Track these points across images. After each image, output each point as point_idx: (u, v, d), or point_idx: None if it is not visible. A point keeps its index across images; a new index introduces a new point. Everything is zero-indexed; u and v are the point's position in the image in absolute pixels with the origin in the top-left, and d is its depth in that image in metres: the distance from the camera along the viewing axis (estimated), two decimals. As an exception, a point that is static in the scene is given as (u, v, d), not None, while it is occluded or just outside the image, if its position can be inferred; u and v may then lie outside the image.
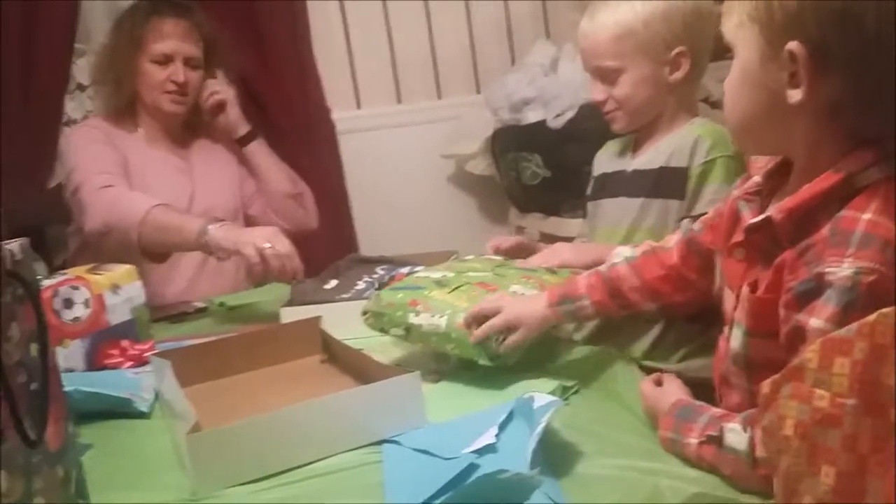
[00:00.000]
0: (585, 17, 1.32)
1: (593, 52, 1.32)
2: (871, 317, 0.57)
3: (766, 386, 0.64)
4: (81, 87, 2.31)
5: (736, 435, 0.77)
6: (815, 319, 0.70)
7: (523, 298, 1.15)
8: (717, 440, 0.79)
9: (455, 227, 2.75)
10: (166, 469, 0.93)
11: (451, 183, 2.85)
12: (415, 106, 2.79)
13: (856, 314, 0.63)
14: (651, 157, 1.33)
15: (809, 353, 0.60)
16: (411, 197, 2.79)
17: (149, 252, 1.64)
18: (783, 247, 0.77)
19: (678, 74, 1.28)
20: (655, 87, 1.30)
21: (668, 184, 1.28)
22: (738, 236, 0.86)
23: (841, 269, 0.70)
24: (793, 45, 0.73)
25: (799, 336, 0.71)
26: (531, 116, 2.39)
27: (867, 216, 0.71)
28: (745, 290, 0.83)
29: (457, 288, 1.16)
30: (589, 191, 1.48)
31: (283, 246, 1.49)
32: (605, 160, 1.45)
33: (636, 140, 1.40)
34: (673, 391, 0.92)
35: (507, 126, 2.47)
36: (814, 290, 0.71)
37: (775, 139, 0.82)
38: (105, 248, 1.66)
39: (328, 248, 1.83)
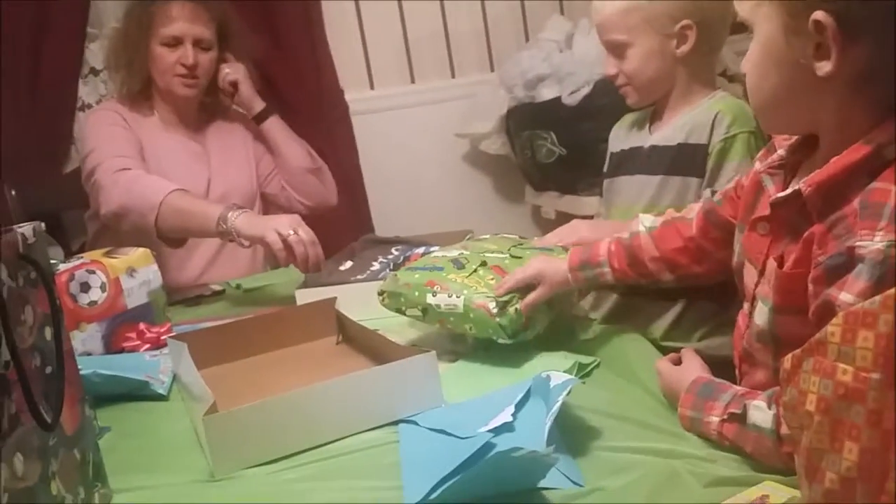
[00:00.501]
0: None
1: (602, 26, 1.32)
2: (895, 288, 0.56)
3: (787, 361, 0.63)
4: (95, 72, 2.31)
5: (760, 412, 0.75)
6: (846, 294, 0.68)
7: (548, 258, 1.15)
8: (740, 417, 0.77)
9: (470, 207, 2.74)
10: (184, 450, 0.93)
11: (465, 162, 2.84)
12: (428, 85, 2.77)
13: (887, 288, 0.60)
14: (669, 132, 1.31)
15: (832, 327, 0.58)
16: (426, 177, 2.78)
17: (165, 237, 1.64)
18: (811, 221, 0.75)
19: (685, 47, 1.27)
20: (663, 60, 1.29)
21: (687, 160, 1.27)
22: (763, 210, 0.85)
23: (873, 243, 0.68)
24: (819, 15, 0.71)
25: (829, 311, 0.69)
26: (546, 94, 2.36)
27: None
28: (772, 264, 0.81)
29: (474, 271, 1.15)
30: (605, 168, 1.47)
31: (306, 233, 1.47)
32: (622, 136, 1.44)
33: (653, 115, 1.39)
34: (693, 368, 0.91)
35: (522, 104, 2.45)
36: (844, 264, 0.69)
37: (804, 115, 0.80)
38: (121, 231, 1.66)
39: (343, 228, 1.82)
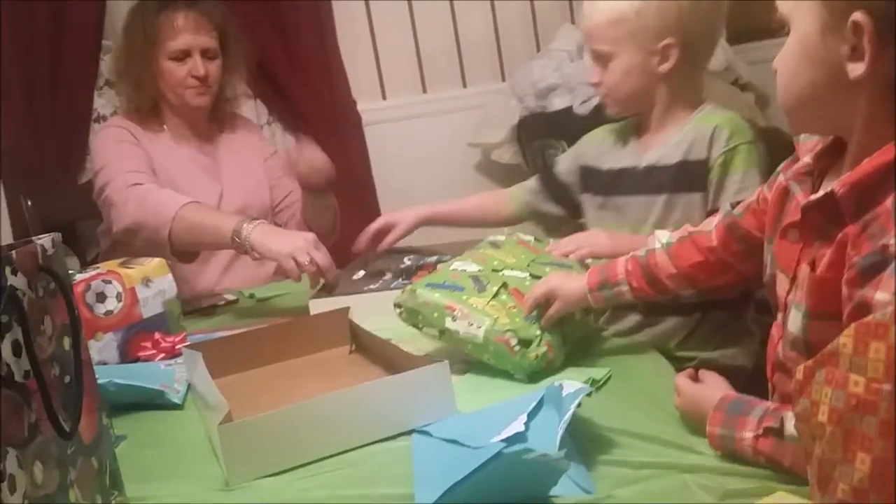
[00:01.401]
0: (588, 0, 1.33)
1: (589, 34, 1.33)
2: (908, 300, 0.56)
3: (799, 372, 0.63)
4: (110, 84, 2.33)
5: None
6: (882, 293, 0.67)
7: (566, 274, 1.15)
8: (776, 431, 0.77)
9: (482, 217, 2.74)
10: (199, 459, 0.94)
11: (477, 171, 2.85)
12: (440, 95, 2.78)
13: None
14: (664, 151, 1.31)
15: (844, 338, 0.58)
16: (438, 186, 2.79)
17: (179, 252, 1.64)
18: (843, 223, 0.74)
19: (666, 66, 1.27)
20: (644, 76, 1.29)
21: (689, 177, 1.27)
22: (793, 216, 0.84)
23: None
24: (858, 16, 0.71)
25: (864, 313, 0.67)
26: (557, 103, 2.37)
27: None
28: (805, 269, 0.80)
29: (495, 295, 1.15)
30: (584, 184, 1.46)
31: (322, 258, 1.45)
32: (606, 153, 1.43)
33: (637, 131, 1.39)
34: (718, 386, 0.90)
35: (534, 113, 2.46)
36: (879, 262, 0.68)
37: (833, 116, 0.80)
38: (135, 246, 1.66)
39: (355, 238, 1.82)
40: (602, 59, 1.32)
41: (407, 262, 1.57)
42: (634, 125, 1.40)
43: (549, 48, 2.57)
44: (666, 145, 1.31)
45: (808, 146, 0.87)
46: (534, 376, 1.08)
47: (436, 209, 1.69)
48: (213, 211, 1.70)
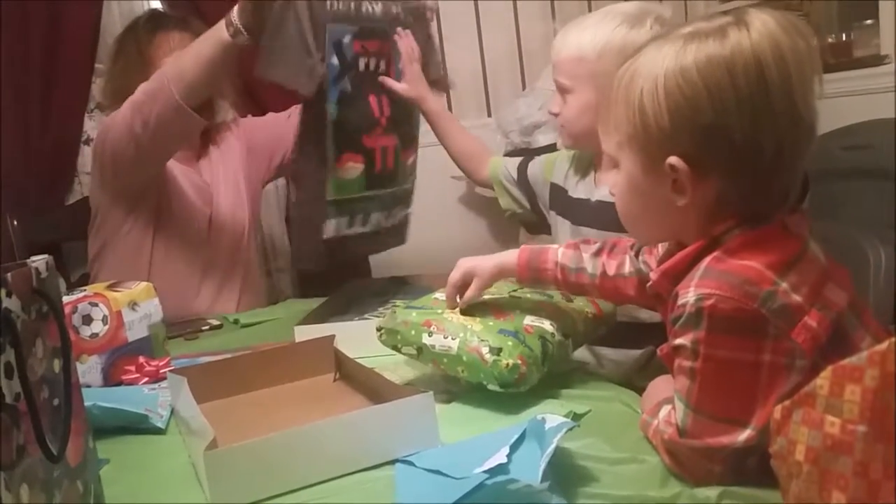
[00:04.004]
0: (561, 31, 1.37)
1: (555, 66, 1.37)
2: (883, 345, 0.58)
3: (777, 411, 0.65)
4: (101, 107, 2.34)
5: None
6: (681, 339, 0.82)
7: (475, 257, 1.20)
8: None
9: (466, 249, 2.73)
10: (183, 485, 0.94)
11: (461, 204, 2.87)
12: (427, 128, 2.81)
13: (701, 333, 0.78)
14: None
15: (821, 380, 0.60)
16: (422, 218, 2.80)
17: (196, 103, 1.57)
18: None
19: None
20: (597, 117, 1.31)
21: None
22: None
23: (686, 297, 0.80)
24: (672, 160, 0.83)
25: (677, 353, 0.84)
26: (542, 140, 2.41)
27: (712, 255, 0.82)
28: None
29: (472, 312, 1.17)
30: (552, 202, 1.51)
31: None
32: (571, 177, 1.47)
33: (596, 164, 1.43)
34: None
35: (519, 149, 2.49)
36: (677, 318, 0.82)
37: (666, 232, 0.93)
38: (144, 154, 1.63)
39: (340, 268, 1.83)
40: (562, 92, 1.37)
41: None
42: (590, 158, 1.44)
43: (534, 86, 2.62)
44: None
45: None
46: (507, 387, 1.09)
47: None
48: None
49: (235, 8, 1.47)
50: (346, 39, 1.46)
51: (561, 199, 1.48)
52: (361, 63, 1.51)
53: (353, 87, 1.49)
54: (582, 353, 1.35)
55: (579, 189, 1.44)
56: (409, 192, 1.77)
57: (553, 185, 1.51)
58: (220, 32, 1.50)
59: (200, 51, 1.54)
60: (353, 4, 1.48)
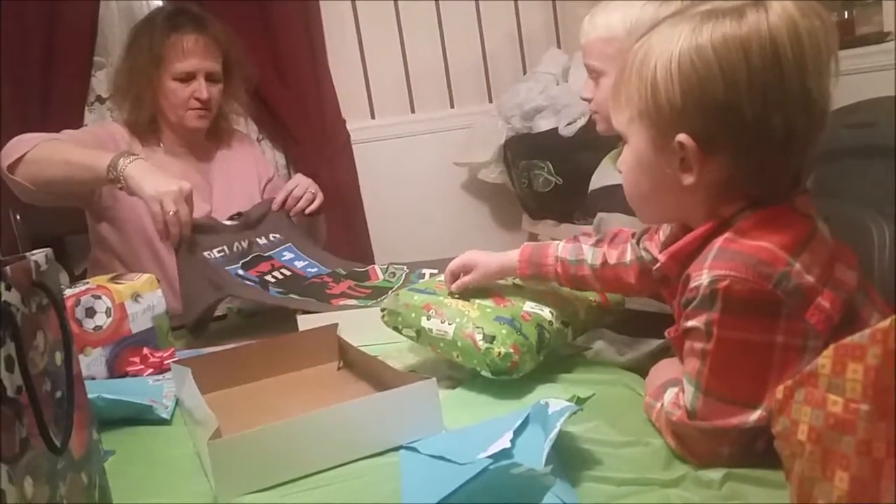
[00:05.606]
0: (588, 15, 1.35)
1: (584, 50, 1.36)
2: (885, 322, 0.58)
3: (779, 391, 0.65)
4: (101, 100, 2.34)
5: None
6: (692, 321, 0.82)
7: (484, 252, 1.20)
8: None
9: (468, 235, 2.77)
10: (188, 475, 0.94)
11: (464, 191, 2.87)
12: (428, 115, 2.81)
13: (715, 314, 0.78)
14: None
15: (823, 359, 0.60)
16: (425, 205, 2.81)
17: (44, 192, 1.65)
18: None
19: None
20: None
21: None
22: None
23: (700, 279, 0.80)
24: (682, 137, 0.82)
25: (686, 335, 0.84)
26: (543, 125, 2.40)
27: (724, 237, 0.82)
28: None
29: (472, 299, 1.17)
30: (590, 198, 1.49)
31: (185, 213, 1.53)
32: (610, 170, 1.45)
33: None
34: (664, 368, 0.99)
35: (520, 134, 2.49)
36: (689, 301, 0.82)
37: (673, 210, 0.92)
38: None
39: (343, 255, 1.83)
40: (595, 76, 1.35)
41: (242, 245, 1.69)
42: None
43: (535, 71, 2.61)
44: None
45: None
46: (499, 374, 1.09)
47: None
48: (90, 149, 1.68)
49: (122, 160, 1.55)
50: (241, 272, 1.64)
51: (599, 196, 1.46)
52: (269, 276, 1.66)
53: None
54: (598, 343, 1.34)
55: (615, 175, 1.41)
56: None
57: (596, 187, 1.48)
58: (101, 165, 1.56)
59: (75, 163, 1.61)
60: (225, 248, 1.66)
